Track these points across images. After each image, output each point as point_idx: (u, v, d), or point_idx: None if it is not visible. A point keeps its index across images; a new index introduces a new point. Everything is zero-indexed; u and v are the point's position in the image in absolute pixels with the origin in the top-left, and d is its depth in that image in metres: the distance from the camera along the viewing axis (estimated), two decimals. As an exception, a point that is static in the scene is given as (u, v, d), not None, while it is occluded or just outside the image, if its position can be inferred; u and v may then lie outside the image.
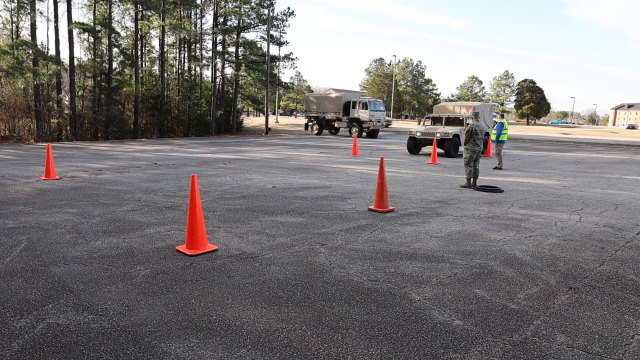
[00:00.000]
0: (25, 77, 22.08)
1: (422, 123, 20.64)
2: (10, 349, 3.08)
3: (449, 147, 17.83)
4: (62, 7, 23.78)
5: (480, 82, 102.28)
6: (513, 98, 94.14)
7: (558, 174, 13.68)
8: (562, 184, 11.44)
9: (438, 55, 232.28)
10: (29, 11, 23.32)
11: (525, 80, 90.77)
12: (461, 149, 18.37)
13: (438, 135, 17.76)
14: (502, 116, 16.05)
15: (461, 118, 18.44)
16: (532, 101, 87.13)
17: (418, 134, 18.69)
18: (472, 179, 10.46)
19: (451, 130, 17.85)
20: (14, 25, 24.16)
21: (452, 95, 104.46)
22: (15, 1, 23.16)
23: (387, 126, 45.38)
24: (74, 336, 3.27)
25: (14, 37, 24.02)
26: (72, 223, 6.38)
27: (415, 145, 19.09)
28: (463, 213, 7.67)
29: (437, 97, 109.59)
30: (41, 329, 3.35)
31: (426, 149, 19.63)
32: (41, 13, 24.67)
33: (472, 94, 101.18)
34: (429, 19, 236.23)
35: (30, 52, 23.10)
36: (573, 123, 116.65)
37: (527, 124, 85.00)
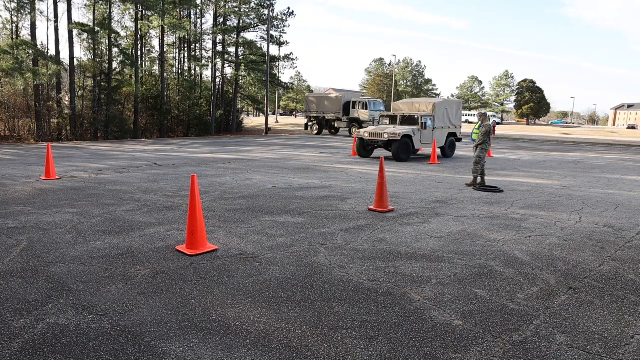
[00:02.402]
0: (25, 77, 22.07)
1: (378, 122, 18.26)
2: (10, 349, 3.08)
3: (396, 149, 15.62)
4: (62, 7, 23.77)
5: (480, 82, 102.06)
6: (513, 98, 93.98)
7: (558, 174, 13.68)
8: (562, 184, 11.44)
9: (438, 55, 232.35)
10: (29, 11, 23.31)
11: (525, 80, 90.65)
12: (419, 149, 16.95)
13: (385, 136, 15.61)
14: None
15: (416, 117, 16.42)
16: (532, 101, 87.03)
17: (366, 134, 16.42)
18: (484, 177, 10.57)
19: (401, 130, 15.68)
20: (14, 25, 24.18)
21: (452, 95, 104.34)
22: (15, 1, 23.15)
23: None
24: (74, 336, 3.27)
25: (14, 37, 24.02)
26: (72, 223, 6.39)
27: (364, 147, 16.95)
28: (463, 213, 7.67)
29: (437, 97, 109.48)
30: (41, 329, 3.35)
31: (379, 152, 17.73)
32: (41, 13, 24.68)
33: (472, 94, 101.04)
34: (428, 19, 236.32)
35: (30, 52, 23.08)
36: (573, 123, 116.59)
37: (527, 124, 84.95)
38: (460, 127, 18.70)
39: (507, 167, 15.19)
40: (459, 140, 18.76)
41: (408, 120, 16.73)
